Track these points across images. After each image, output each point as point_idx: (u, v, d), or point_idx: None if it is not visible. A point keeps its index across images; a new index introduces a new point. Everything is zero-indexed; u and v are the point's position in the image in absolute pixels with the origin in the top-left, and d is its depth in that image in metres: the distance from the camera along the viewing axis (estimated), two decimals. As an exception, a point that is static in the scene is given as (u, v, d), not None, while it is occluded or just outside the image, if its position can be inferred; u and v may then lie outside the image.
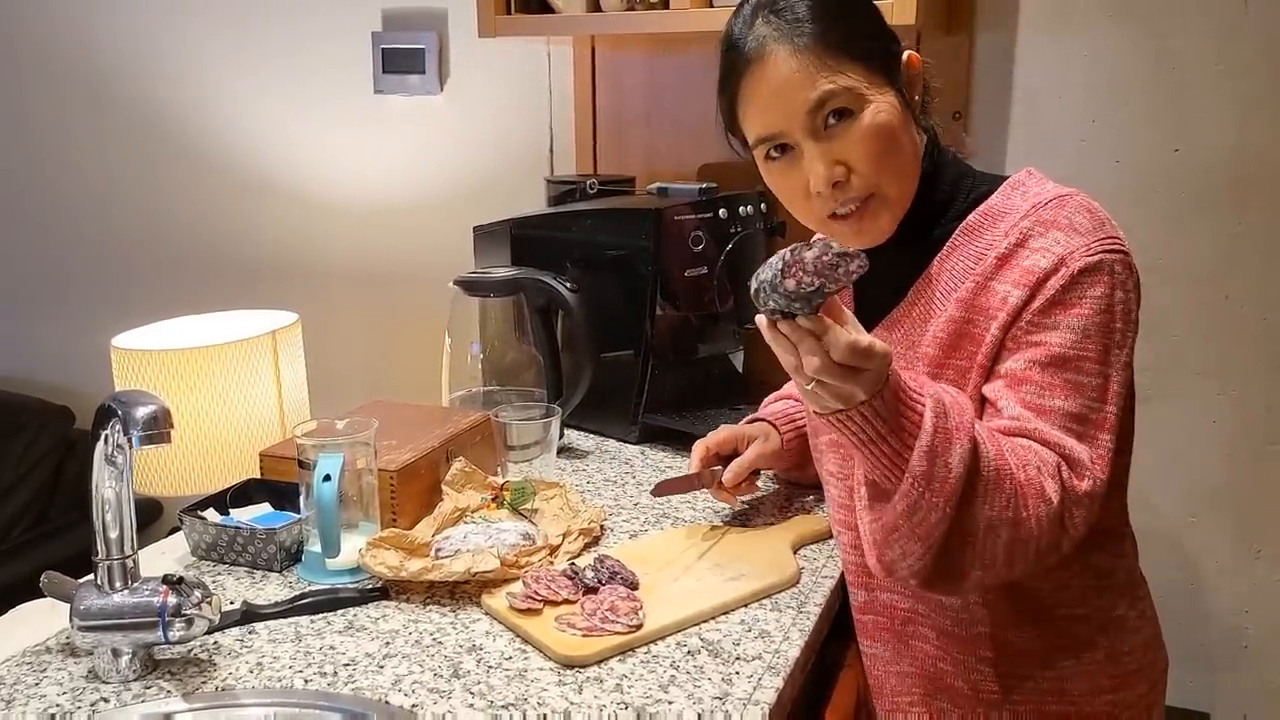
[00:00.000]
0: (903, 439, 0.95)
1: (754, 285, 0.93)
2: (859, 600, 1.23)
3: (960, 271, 1.08)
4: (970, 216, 1.10)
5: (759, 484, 1.46)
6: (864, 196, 1.07)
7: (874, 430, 0.95)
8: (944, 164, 1.14)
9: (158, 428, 0.98)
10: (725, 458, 1.39)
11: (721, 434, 1.40)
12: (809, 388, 0.94)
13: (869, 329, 1.12)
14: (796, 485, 1.49)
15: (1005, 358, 1.03)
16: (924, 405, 0.95)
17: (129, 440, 0.98)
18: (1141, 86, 1.84)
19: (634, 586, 1.17)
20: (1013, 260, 1.04)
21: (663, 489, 1.40)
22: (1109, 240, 1.02)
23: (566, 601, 1.14)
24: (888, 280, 1.12)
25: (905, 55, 1.10)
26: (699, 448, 1.39)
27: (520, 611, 1.12)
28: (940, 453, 0.94)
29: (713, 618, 1.14)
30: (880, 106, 1.06)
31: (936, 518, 0.95)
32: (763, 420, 1.42)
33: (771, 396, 1.49)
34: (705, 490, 1.40)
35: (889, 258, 1.10)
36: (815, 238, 0.94)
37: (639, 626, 1.09)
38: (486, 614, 1.16)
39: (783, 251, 0.91)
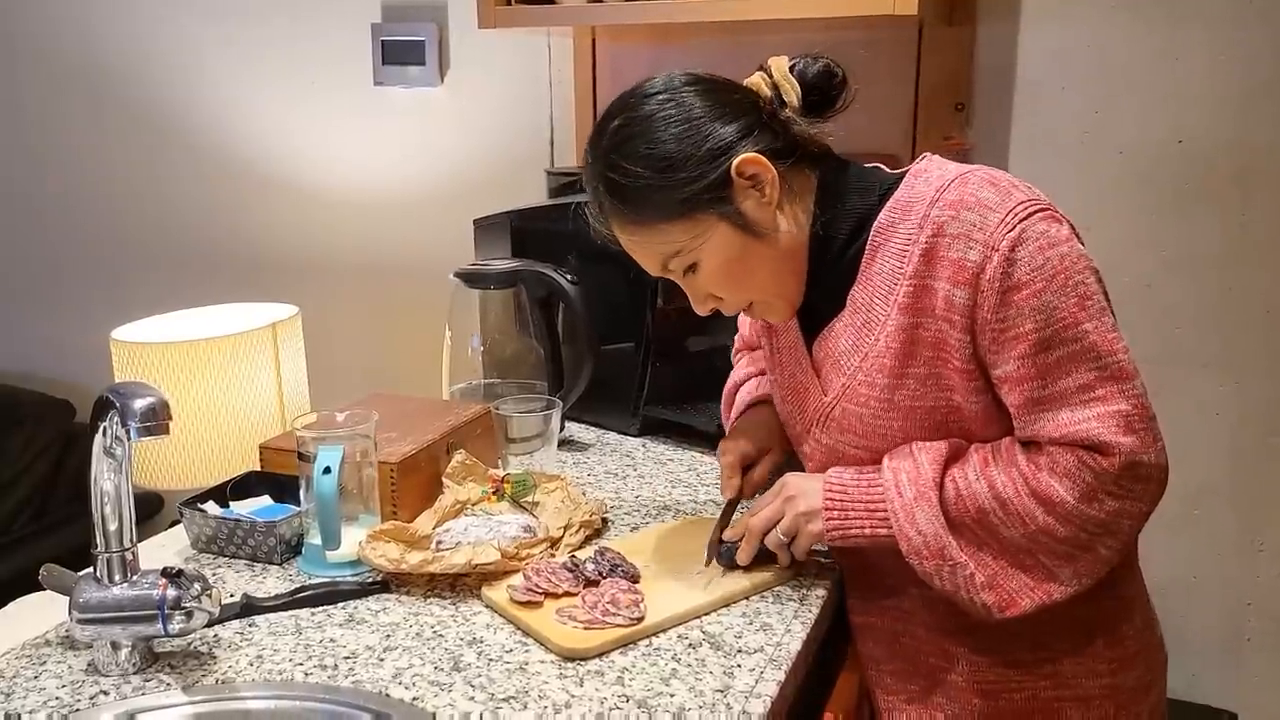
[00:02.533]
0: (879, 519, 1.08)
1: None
2: (852, 601, 1.23)
3: (889, 272, 1.08)
4: (881, 215, 1.10)
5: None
6: (744, 306, 1.16)
7: (861, 529, 1.09)
8: (845, 191, 1.12)
9: (156, 419, 0.98)
10: None
11: (743, 448, 1.29)
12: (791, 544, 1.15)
13: (813, 341, 1.17)
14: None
15: (996, 364, 1.03)
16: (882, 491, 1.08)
17: (127, 432, 0.98)
18: (1144, 77, 1.83)
19: (635, 579, 1.17)
20: (937, 253, 1.04)
21: (714, 549, 1.22)
22: (1020, 206, 1.01)
23: (567, 594, 1.14)
24: (827, 295, 1.14)
25: (733, 169, 1.05)
26: (734, 469, 1.28)
27: (521, 604, 1.12)
28: (907, 525, 1.06)
29: (714, 610, 1.14)
30: (712, 249, 1.09)
31: (959, 572, 1.05)
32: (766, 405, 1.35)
33: (742, 375, 1.41)
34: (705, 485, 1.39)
35: (823, 277, 1.13)
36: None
37: (640, 619, 1.09)
38: (487, 607, 1.15)
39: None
